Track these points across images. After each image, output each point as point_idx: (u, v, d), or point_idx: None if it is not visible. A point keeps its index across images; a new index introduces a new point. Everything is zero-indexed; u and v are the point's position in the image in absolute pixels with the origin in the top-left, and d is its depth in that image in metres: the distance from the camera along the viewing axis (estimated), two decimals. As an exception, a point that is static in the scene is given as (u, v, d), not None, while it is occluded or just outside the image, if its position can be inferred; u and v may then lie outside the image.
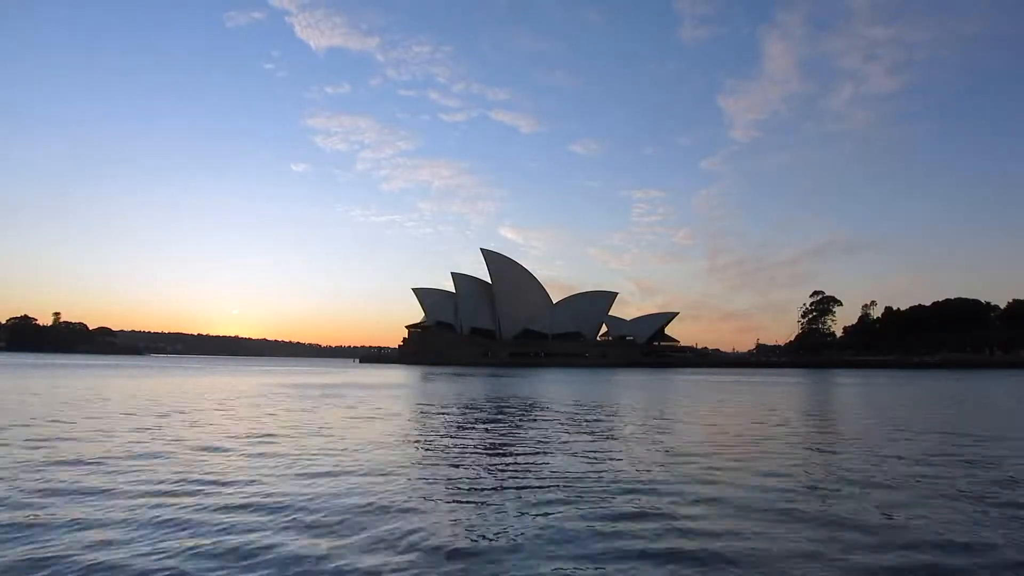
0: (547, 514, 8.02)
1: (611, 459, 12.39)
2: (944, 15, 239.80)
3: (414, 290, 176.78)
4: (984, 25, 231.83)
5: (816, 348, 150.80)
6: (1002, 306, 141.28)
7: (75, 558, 6.12)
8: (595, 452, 13.26)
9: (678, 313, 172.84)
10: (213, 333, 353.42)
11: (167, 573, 5.82)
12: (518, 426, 18.59)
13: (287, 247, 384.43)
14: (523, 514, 8.07)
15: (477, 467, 11.52)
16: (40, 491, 8.90)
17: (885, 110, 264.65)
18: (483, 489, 9.63)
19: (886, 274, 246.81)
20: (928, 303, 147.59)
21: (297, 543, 6.69)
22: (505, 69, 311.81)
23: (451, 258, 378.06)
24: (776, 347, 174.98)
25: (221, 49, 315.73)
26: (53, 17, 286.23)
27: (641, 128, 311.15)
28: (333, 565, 6.07)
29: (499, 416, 21.63)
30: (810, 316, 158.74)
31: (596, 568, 6.14)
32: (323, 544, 6.67)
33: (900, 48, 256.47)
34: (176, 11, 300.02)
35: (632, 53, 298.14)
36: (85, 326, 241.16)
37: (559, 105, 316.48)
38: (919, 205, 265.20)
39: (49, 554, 6.23)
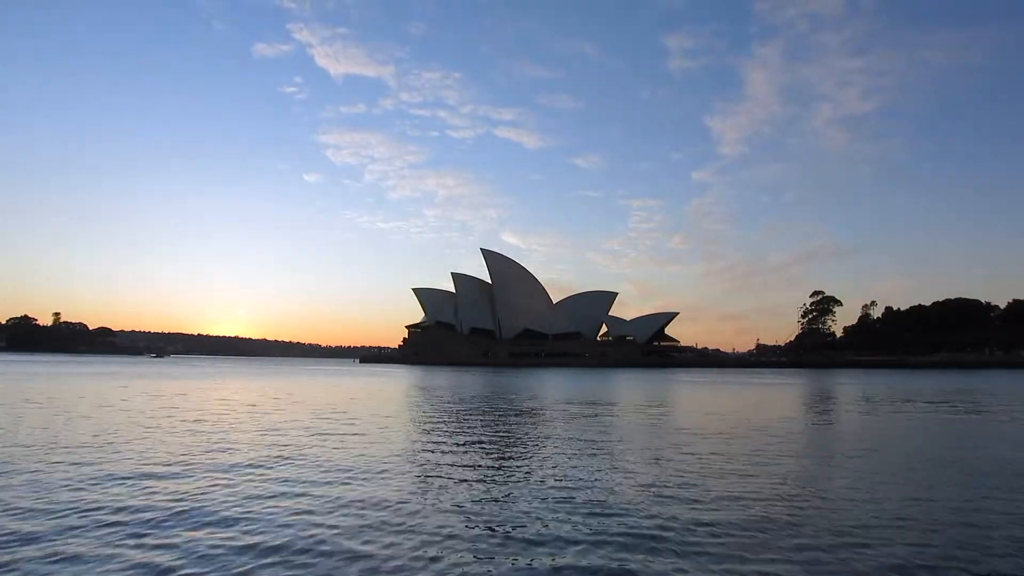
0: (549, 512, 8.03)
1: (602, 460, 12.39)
2: (911, 48, 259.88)
3: (414, 290, 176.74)
4: (948, 56, 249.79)
5: (816, 348, 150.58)
6: (1002, 306, 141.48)
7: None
8: (593, 450, 13.27)
9: (678, 313, 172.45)
10: (213, 333, 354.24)
11: None
12: (515, 424, 18.55)
13: (291, 250, 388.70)
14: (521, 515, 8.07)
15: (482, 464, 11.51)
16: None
17: (862, 129, 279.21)
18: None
19: (879, 276, 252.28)
20: (928, 303, 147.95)
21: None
22: (511, 93, 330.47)
23: (454, 261, 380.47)
24: (776, 347, 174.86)
25: (246, 74, 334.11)
26: (89, 31, 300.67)
27: (637, 145, 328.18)
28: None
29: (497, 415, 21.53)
30: (810, 316, 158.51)
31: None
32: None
33: (872, 75, 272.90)
34: (207, 41, 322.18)
35: (626, 81, 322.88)
36: (85, 326, 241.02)
37: (561, 124, 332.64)
38: (913, 209, 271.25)
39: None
